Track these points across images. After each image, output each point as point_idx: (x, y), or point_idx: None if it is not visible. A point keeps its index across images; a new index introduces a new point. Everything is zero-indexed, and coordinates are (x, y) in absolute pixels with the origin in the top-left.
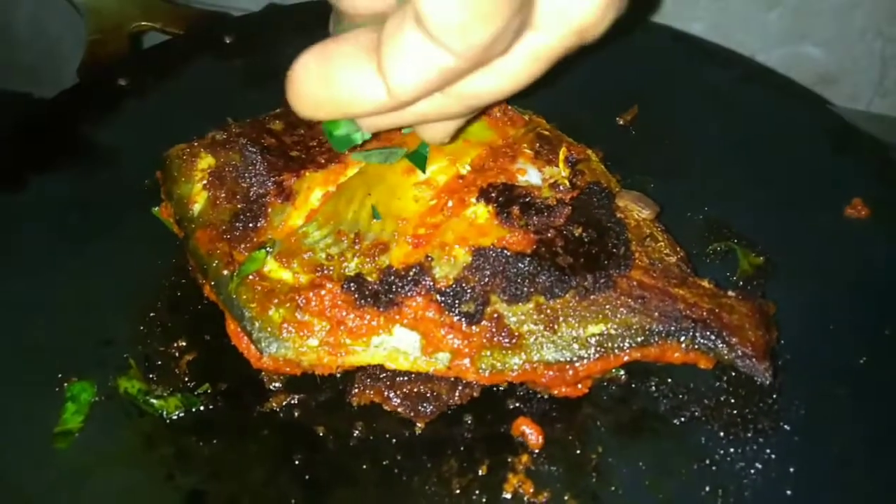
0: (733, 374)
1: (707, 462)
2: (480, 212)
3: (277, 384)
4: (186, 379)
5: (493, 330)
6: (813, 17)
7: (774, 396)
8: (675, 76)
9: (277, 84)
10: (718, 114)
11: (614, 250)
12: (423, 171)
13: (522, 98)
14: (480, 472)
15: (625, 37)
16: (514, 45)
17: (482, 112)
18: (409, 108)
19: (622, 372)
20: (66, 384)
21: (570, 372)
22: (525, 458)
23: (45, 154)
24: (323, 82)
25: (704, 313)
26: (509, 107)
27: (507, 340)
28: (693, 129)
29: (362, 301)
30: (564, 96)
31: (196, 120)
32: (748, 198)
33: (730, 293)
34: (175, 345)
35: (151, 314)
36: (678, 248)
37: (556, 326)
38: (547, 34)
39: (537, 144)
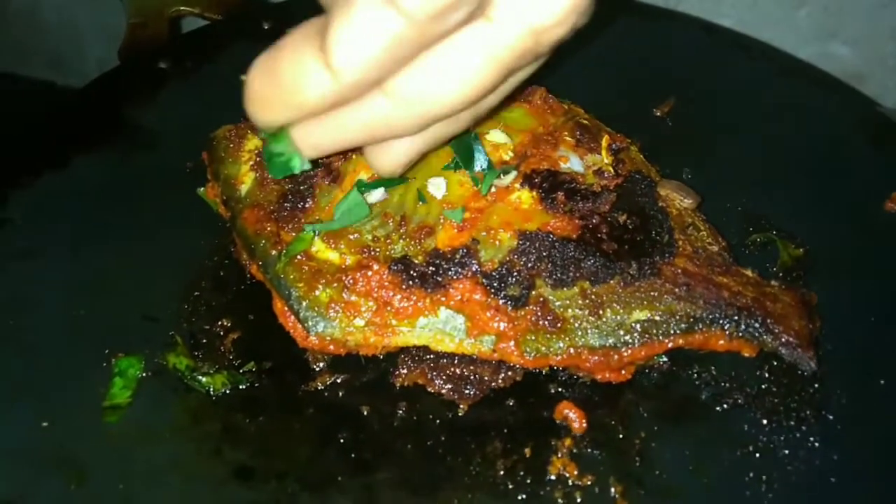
0: (775, 362)
1: (750, 449)
2: (525, 197)
3: (322, 364)
4: (231, 357)
5: (538, 314)
6: (842, 16)
7: (816, 385)
8: (710, 69)
9: None
10: (755, 107)
11: (658, 238)
12: (470, 168)
13: (560, 89)
14: (525, 454)
15: (658, 28)
16: (466, 36)
17: (519, 99)
18: (352, 114)
19: (664, 358)
20: (113, 360)
21: (615, 357)
22: (568, 441)
23: (87, 134)
24: (268, 75)
25: (749, 301)
26: (550, 94)
27: (551, 325)
28: (729, 122)
29: (409, 282)
30: (601, 87)
31: (236, 105)
32: (786, 191)
33: (773, 283)
34: (220, 323)
35: (196, 293)
36: (720, 238)
37: (600, 312)
38: (500, 28)
39: (578, 133)
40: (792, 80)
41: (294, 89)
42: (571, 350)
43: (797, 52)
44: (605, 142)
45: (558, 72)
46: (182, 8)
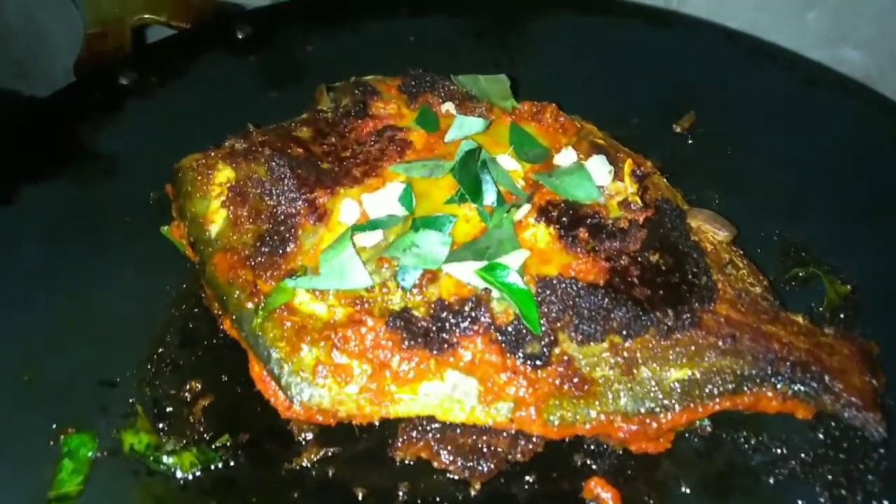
0: (833, 424)
1: None
2: (541, 234)
3: (309, 435)
4: (202, 429)
5: (563, 375)
6: (853, 19)
7: (882, 451)
8: (730, 78)
9: (299, 84)
10: (783, 120)
11: (695, 280)
12: (477, 201)
13: (567, 102)
14: None
15: (673, 36)
16: None
17: (528, 117)
18: None
19: (707, 422)
20: (62, 437)
21: (652, 425)
22: None
23: (38, 162)
24: None
25: (803, 355)
26: (561, 112)
27: (578, 388)
28: (756, 137)
29: (410, 340)
30: (613, 101)
31: (207, 124)
32: (827, 216)
33: (827, 330)
34: (188, 387)
35: (161, 350)
36: (761, 277)
37: (634, 371)
38: None
39: (593, 155)
40: (822, 91)
41: None
42: (602, 417)
43: (807, 56)
44: (627, 167)
45: (567, 85)
46: (146, 16)
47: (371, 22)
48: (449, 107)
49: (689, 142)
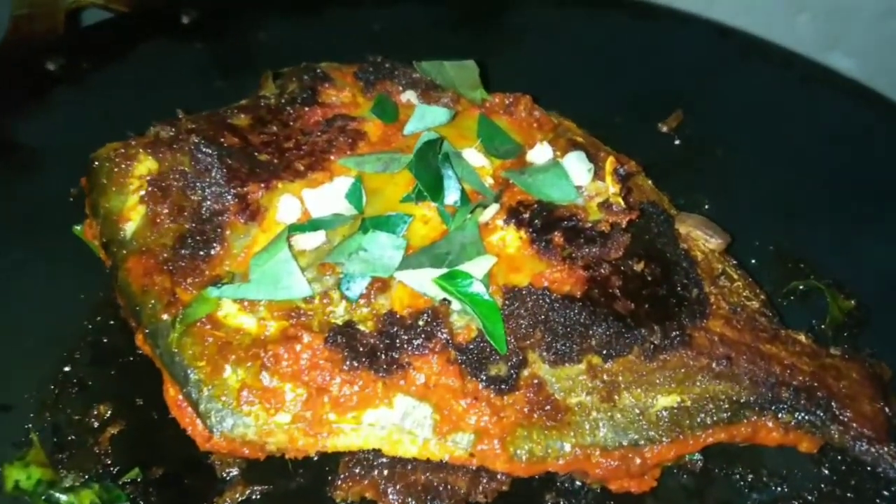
0: (839, 457)
1: None
2: (510, 238)
3: (234, 471)
4: (109, 462)
5: (533, 401)
6: (845, 24)
7: (894, 489)
8: (722, 76)
9: (249, 74)
10: (778, 120)
11: (685, 293)
12: (438, 200)
13: (545, 98)
14: None
15: (660, 30)
16: None
17: (500, 110)
18: None
19: (698, 456)
20: None
21: (635, 460)
22: None
23: None
24: None
25: (807, 379)
26: (536, 105)
27: (550, 416)
28: (748, 138)
29: (353, 360)
30: (594, 99)
31: (143, 115)
32: (826, 223)
33: (833, 351)
34: (96, 412)
35: (66, 368)
36: (758, 290)
37: (615, 397)
38: None
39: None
40: (819, 90)
41: None
42: (578, 451)
43: None
44: (609, 165)
45: (543, 80)
46: None
47: (333, 8)
48: (410, 96)
49: (676, 142)
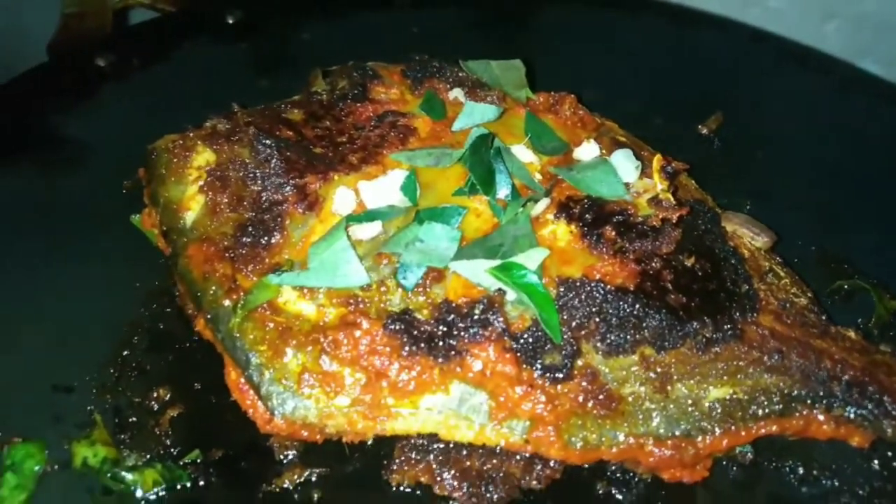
0: (890, 453)
1: None
2: (561, 232)
3: (291, 454)
4: (169, 443)
5: (587, 390)
6: (874, 32)
7: None
8: (760, 81)
9: (292, 73)
10: (817, 125)
11: (735, 288)
12: (489, 194)
13: (586, 101)
14: None
15: (699, 36)
16: None
17: (544, 109)
18: None
19: (748, 448)
20: (6, 447)
21: (688, 450)
22: None
23: (2, 146)
24: None
25: (858, 373)
26: (580, 106)
27: (604, 405)
28: (789, 142)
29: (411, 346)
30: (632, 99)
31: (189, 111)
32: (869, 226)
33: (882, 348)
34: (155, 395)
35: (126, 353)
36: (805, 287)
37: (668, 388)
38: None
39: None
40: (859, 95)
41: None
42: (631, 440)
43: None
44: (657, 162)
45: (583, 83)
46: None
47: (372, 11)
48: (457, 93)
49: (717, 144)
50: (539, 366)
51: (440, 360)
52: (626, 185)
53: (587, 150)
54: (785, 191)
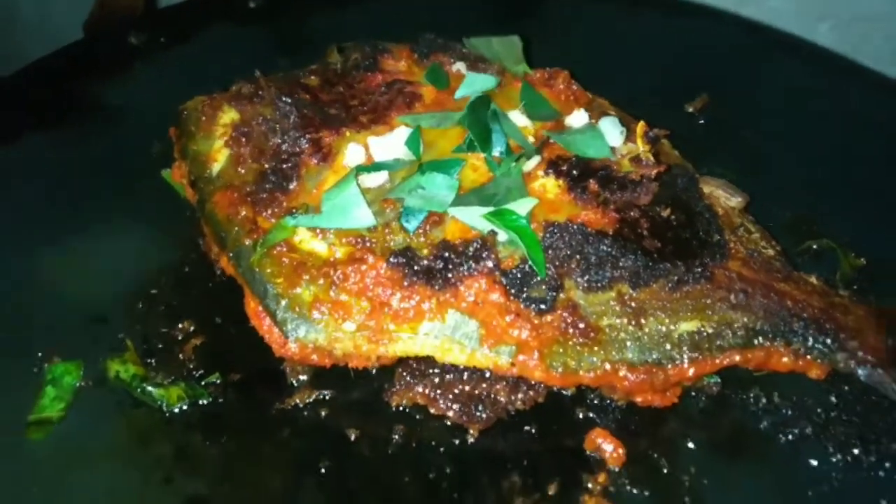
0: (846, 386)
1: (825, 489)
2: (550, 185)
3: (302, 377)
4: (192, 366)
5: (568, 321)
6: (868, 32)
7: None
8: (750, 68)
9: (306, 52)
10: (801, 108)
11: (707, 237)
12: (487, 150)
13: (583, 82)
14: (550, 492)
15: (693, 25)
16: None
17: (540, 82)
18: None
19: (715, 379)
20: (46, 364)
21: (659, 375)
22: (602, 477)
23: (43, 109)
24: None
25: (817, 312)
26: (573, 81)
27: (583, 334)
28: (772, 123)
29: (411, 278)
30: (629, 82)
31: (214, 82)
32: (840, 196)
33: (841, 293)
34: (180, 326)
35: (153, 291)
36: (773, 242)
37: (642, 321)
38: None
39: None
40: (842, 82)
41: None
42: (607, 365)
43: None
44: (640, 128)
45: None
46: None
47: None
48: (460, 66)
49: (701, 122)
50: (525, 297)
51: (437, 289)
52: (612, 149)
53: (577, 118)
54: (763, 165)
